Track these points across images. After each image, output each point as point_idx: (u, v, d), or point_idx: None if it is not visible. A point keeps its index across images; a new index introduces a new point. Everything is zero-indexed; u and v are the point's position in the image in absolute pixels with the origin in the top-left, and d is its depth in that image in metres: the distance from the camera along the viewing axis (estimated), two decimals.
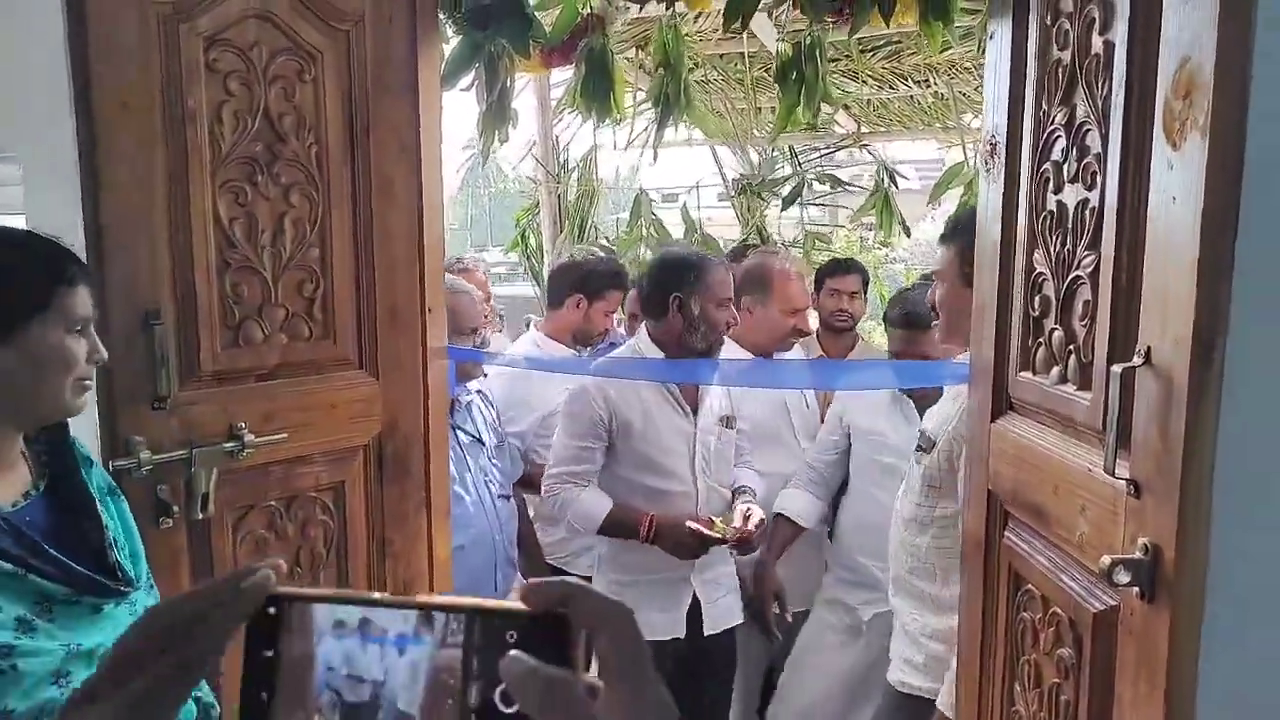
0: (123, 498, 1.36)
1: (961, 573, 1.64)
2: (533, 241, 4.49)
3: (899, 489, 2.28)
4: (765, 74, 4.68)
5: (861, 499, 2.59)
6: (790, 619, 2.63)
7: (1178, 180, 0.99)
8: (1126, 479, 1.08)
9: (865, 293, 3.34)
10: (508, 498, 2.50)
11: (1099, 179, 1.17)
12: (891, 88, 5.28)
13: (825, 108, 4.41)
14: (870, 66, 4.83)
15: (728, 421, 2.48)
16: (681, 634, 2.41)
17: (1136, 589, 1.05)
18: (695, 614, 2.42)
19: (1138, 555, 1.05)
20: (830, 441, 2.66)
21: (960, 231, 1.82)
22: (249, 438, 1.73)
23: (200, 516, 1.70)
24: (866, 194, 4.94)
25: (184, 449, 1.66)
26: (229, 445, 1.71)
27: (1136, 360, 1.05)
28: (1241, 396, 0.96)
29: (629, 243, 4.32)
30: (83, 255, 1.55)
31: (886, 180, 4.39)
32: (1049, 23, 1.30)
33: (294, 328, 1.81)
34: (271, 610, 0.46)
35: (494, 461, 2.51)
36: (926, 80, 4.98)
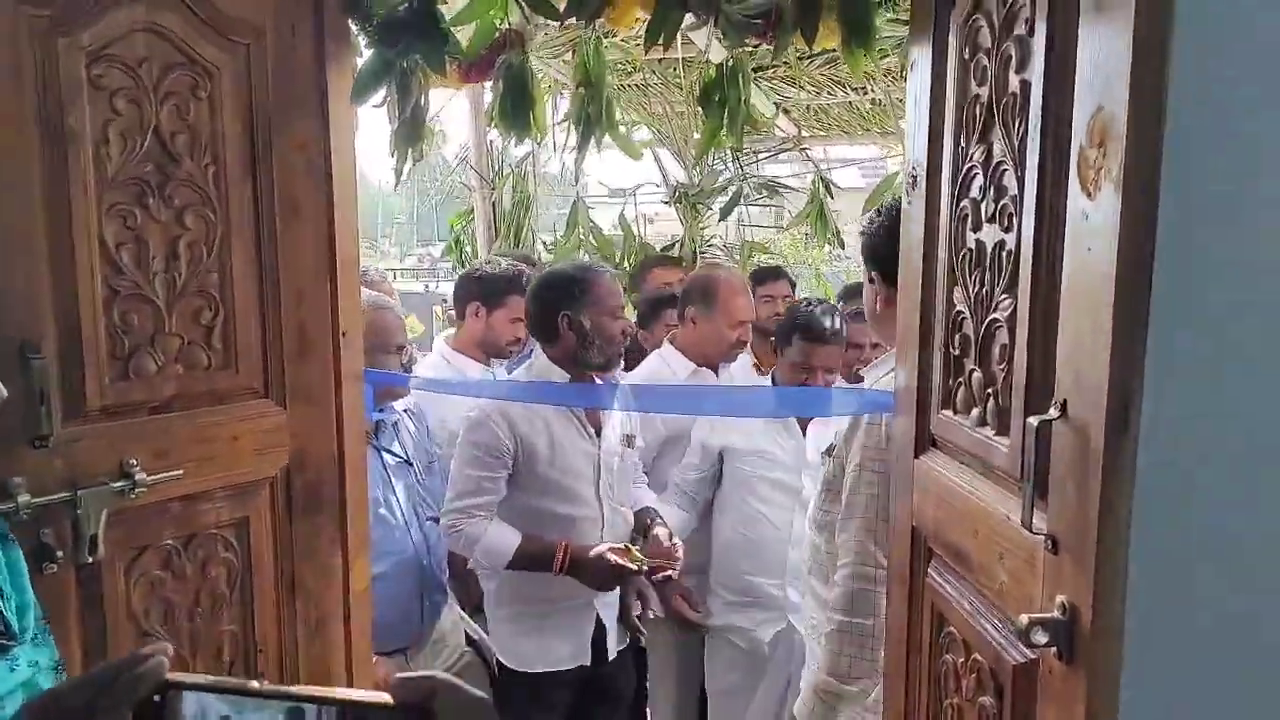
0: (14, 544, 1.27)
1: (887, 607, 1.61)
2: (468, 248, 4.39)
3: (792, 503, 2.46)
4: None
5: (750, 520, 2.59)
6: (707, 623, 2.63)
7: (1093, 230, 0.96)
8: (1044, 534, 1.05)
9: (793, 297, 3.45)
10: (437, 520, 2.42)
11: (1015, 221, 1.13)
12: (830, 93, 5.28)
13: (764, 112, 4.40)
14: (808, 73, 4.82)
15: (629, 441, 2.46)
16: (587, 661, 2.37)
17: (1054, 649, 1.02)
18: (599, 641, 2.40)
19: (1055, 614, 1.02)
20: (692, 464, 2.67)
21: (864, 233, 1.83)
22: (141, 476, 1.62)
23: (89, 560, 1.59)
24: (807, 196, 4.94)
25: (68, 490, 1.56)
26: (119, 484, 1.61)
27: (1052, 413, 1.02)
28: (1158, 457, 0.93)
29: (567, 249, 4.24)
30: None
31: (821, 190, 4.37)
32: (967, 57, 1.27)
33: (191, 357, 1.71)
34: (157, 698, 0.47)
35: (421, 482, 2.42)
36: (864, 87, 4.99)
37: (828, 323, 2.43)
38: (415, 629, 2.30)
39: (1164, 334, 0.91)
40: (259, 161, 1.77)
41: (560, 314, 2.30)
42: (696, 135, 5.48)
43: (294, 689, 0.48)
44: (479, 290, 2.90)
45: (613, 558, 2.23)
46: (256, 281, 1.79)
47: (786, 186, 4.96)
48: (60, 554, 1.55)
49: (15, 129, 1.46)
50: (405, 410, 2.47)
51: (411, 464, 2.39)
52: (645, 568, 2.25)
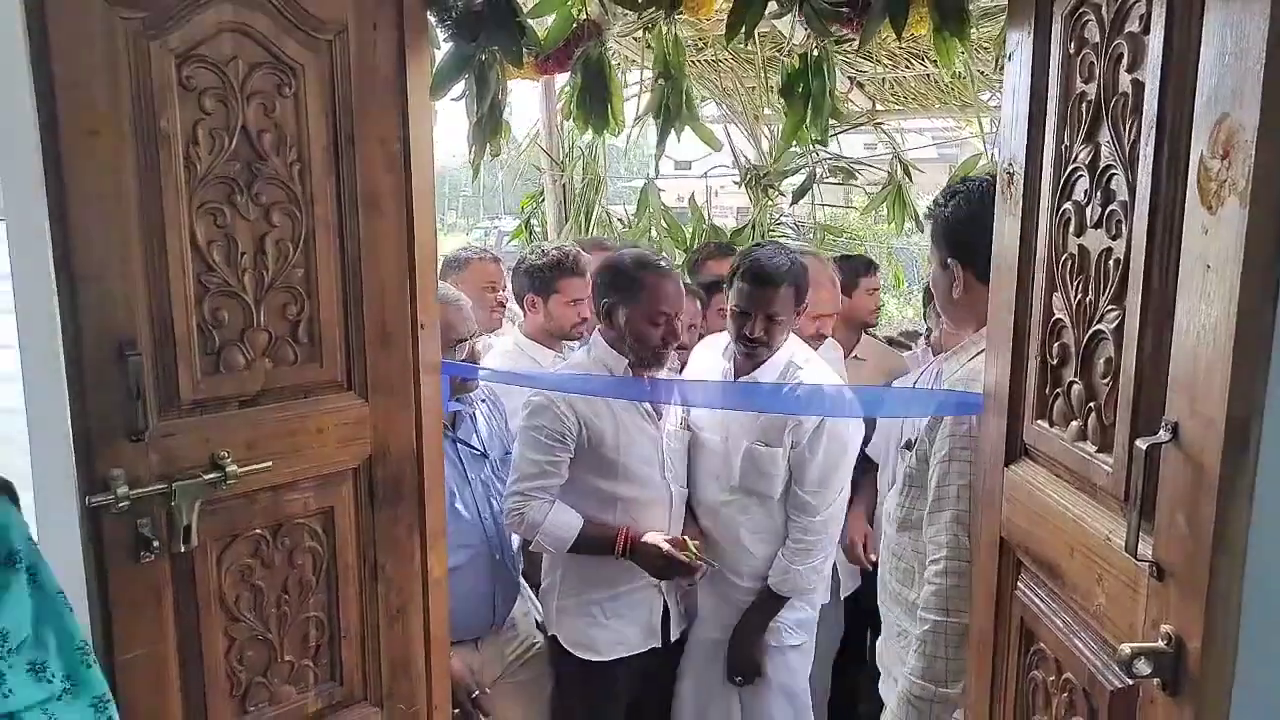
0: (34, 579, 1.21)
1: (971, 618, 1.57)
2: (538, 230, 4.39)
3: (712, 465, 2.43)
4: (776, 53, 4.55)
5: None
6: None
7: (1213, 247, 0.90)
8: (1149, 560, 1.00)
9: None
10: None
11: (1124, 229, 1.08)
12: (908, 65, 5.13)
13: (838, 89, 4.30)
14: (885, 44, 4.68)
15: (686, 424, 2.47)
16: (658, 643, 2.39)
17: (1158, 680, 0.98)
18: (664, 624, 2.44)
19: (1160, 645, 0.98)
20: None
21: (934, 217, 1.77)
22: (232, 468, 1.66)
23: (183, 549, 1.65)
24: (882, 171, 4.81)
25: (164, 482, 1.60)
26: (211, 476, 1.65)
27: (1163, 436, 0.97)
28: (1278, 488, 0.88)
29: (638, 231, 4.21)
30: (53, 286, 1.50)
31: (900, 173, 4.25)
32: (1073, 51, 1.20)
33: (278, 351, 1.75)
34: None
35: (497, 473, 2.45)
36: None
37: (772, 266, 2.30)
38: (488, 620, 2.33)
39: None
40: (341, 156, 1.78)
41: (604, 302, 2.32)
42: (768, 111, 5.39)
43: None
44: (529, 283, 2.91)
45: (667, 548, 2.24)
46: (339, 275, 1.81)
47: (861, 164, 4.84)
48: (156, 544, 1.60)
49: (112, 133, 1.49)
50: (483, 400, 2.49)
51: (487, 456, 2.41)
52: (700, 564, 2.26)
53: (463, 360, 2.27)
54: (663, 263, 2.38)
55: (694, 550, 2.29)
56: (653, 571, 2.31)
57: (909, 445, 1.89)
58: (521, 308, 3.02)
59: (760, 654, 2.43)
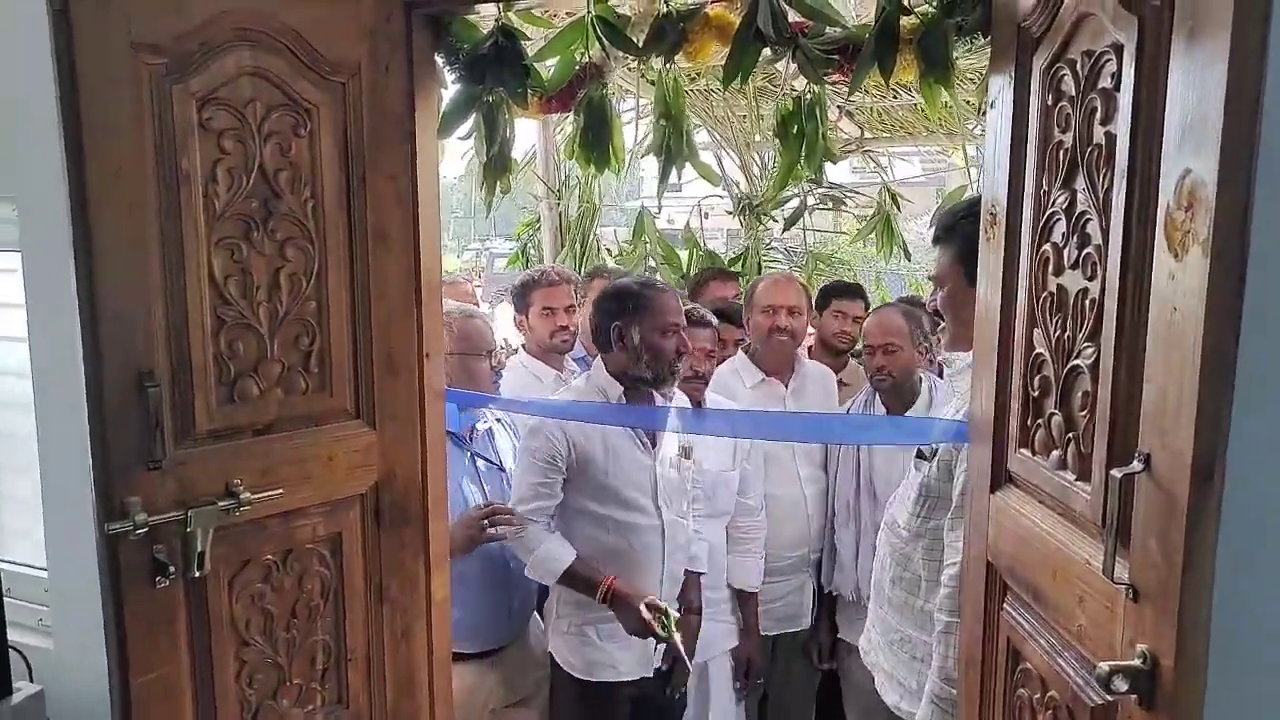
0: None
1: (960, 638, 1.63)
2: (534, 256, 4.47)
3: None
4: (768, 84, 4.65)
5: None
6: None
7: (1179, 291, 0.97)
8: (1125, 583, 1.07)
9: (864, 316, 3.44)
10: None
11: (1099, 271, 1.15)
12: (895, 95, 5.24)
13: (829, 116, 4.39)
14: (873, 75, 4.79)
15: (686, 452, 2.50)
16: (649, 672, 2.41)
17: (1135, 696, 1.04)
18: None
19: (1136, 663, 1.04)
20: None
21: (954, 230, 1.79)
22: (245, 495, 1.72)
23: (197, 574, 1.69)
24: (870, 196, 4.92)
25: (180, 509, 1.66)
26: (225, 503, 1.70)
27: (1136, 466, 1.04)
28: (1243, 513, 0.95)
29: (634, 258, 4.29)
30: (75, 318, 1.56)
31: (888, 202, 4.35)
32: (1050, 103, 1.28)
33: (290, 382, 1.81)
34: None
35: (510, 486, 2.50)
36: None
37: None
38: (504, 629, 2.38)
39: (1249, 398, 0.92)
40: (353, 193, 1.85)
41: (614, 325, 2.35)
42: (759, 138, 5.50)
43: None
44: (514, 304, 3.14)
45: (648, 615, 2.23)
46: (349, 307, 1.88)
47: (851, 193, 4.94)
48: (171, 569, 1.65)
49: (135, 173, 1.56)
50: (497, 419, 2.56)
51: (504, 470, 2.47)
52: (672, 639, 2.23)
53: (492, 368, 2.40)
54: (660, 282, 2.51)
55: (670, 623, 2.24)
56: (627, 626, 2.29)
57: (921, 455, 1.92)
58: (519, 330, 3.15)
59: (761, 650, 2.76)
